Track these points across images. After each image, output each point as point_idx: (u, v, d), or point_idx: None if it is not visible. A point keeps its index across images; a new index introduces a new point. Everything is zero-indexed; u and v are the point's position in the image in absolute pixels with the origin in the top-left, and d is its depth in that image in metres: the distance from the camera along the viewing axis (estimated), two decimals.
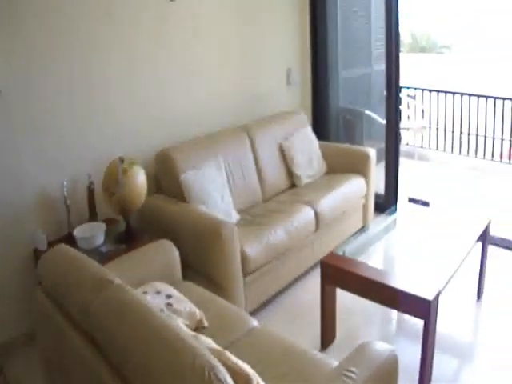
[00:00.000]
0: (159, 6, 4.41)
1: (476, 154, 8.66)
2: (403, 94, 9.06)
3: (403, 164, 7.38)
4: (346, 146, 5.79)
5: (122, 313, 2.10)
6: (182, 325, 2.47)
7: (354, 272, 3.45)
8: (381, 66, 5.91)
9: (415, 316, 3.29)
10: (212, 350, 2.05)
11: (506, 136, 8.31)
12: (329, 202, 4.77)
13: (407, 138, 9.17)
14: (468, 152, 8.77)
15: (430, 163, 8.81)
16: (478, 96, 8.64)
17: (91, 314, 2.17)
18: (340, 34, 6.43)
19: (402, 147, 8.38)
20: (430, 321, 3.11)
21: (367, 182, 5.33)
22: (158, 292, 2.94)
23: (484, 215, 4.36)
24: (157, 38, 4.46)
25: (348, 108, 6.83)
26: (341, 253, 3.76)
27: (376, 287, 3.34)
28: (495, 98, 8.43)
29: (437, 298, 3.14)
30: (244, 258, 3.78)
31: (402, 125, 8.22)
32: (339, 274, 3.53)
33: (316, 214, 4.58)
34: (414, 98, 9.52)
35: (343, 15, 6.45)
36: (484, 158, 8.54)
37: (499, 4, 22.83)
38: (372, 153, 5.37)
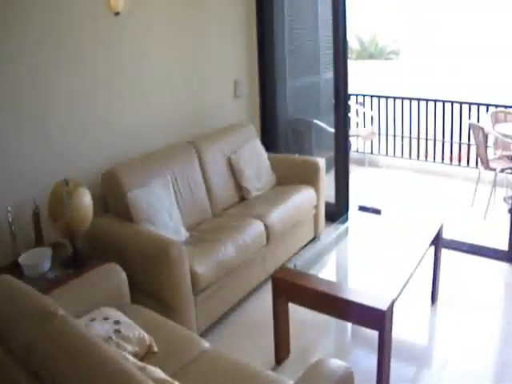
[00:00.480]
0: (103, 20, 4.31)
1: (426, 157, 8.75)
2: (352, 102, 9.11)
3: (354, 171, 7.45)
4: (295, 156, 5.78)
5: (67, 348, 2.03)
6: (129, 356, 2.39)
7: (306, 286, 3.42)
8: (329, 75, 5.94)
9: (370, 328, 3.28)
10: (159, 381, 1.99)
11: (456, 139, 8.43)
12: (279, 214, 4.74)
13: (357, 145, 9.20)
14: (418, 156, 8.87)
15: (380, 169, 8.86)
16: (427, 100, 8.75)
17: (35, 350, 2.09)
18: (287, 43, 6.44)
19: (352, 154, 8.42)
20: (385, 331, 3.10)
21: (317, 192, 5.32)
22: (106, 318, 2.87)
23: (436, 219, 4.39)
24: (101, 53, 4.36)
25: (297, 118, 6.83)
26: (292, 266, 3.72)
27: (329, 300, 3.31)
28: (444, 101, 8.56)
29: (391, 307, 3.13)
30: (194, 277, 3.71)
31: (351, 132, 8.27)
32: (291, 289, 3.50)
33: (266, 227, 4.54)
34: (362, 104, 9.56)
35: (290, 24, 6.47)
36: (434, 161, 8.64)
37: (443, 10, 23.22)
38: (321, 162, 5.37)
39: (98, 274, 3.33)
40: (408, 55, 28.76)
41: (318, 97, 7.21)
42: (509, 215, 5.43)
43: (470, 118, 8.17)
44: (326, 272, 3.98)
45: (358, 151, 9.13)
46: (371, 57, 29.55)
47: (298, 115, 6.83)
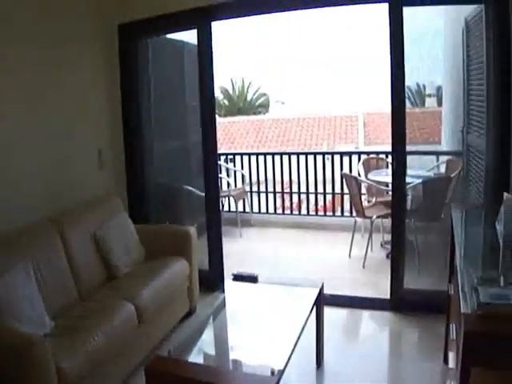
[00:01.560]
0: None
1: (299, 211, 8.72)
2: (222, 161, 9.04)
3: (227, 233, 7.37)
4: (165, 226, 5.58)
5: None
6: None
7: (182, 376, 3.13)
8: (198, 136, 5.74)
9: None
10: None
11: (329, 189, 8.51)
12: (150, 292, 4.45)
13: (229, 205, 9.07)
14: (291, 211, 8.85)
15: (254, 228, 8.66)
16: (298, 154, 8.82)
17: None
18: (154, 107, 6.23)
19: (225, 214, 8.32)
20: None
21: (190, 263, 5.10)
22: None
23: (316, 279, 4.28)
24: None
25: (166, 185, 6.59)
26: (166, 353, 3.44)
27: None
28: (315, 153, 8.68)
29: None
30: (60, 374, 3.32)
31: (222, 192, 8.15)
32: (166, 380, 3.20)
33: (137, 308, 4.22)
34: (232, 161, 9.48)
35: (157, 88, 6.28)
36: (308, 214, 8.63)
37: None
38: (192, 231, 5.18)
39: None
40: (277, 108, 29.31)
41: (187, 160, 7.00)
42: (388, 261, 5.43)
43: (342, 168, 8.23)
44: (204, 353, 3.74)
45: (230, 211, 8.95)
46: (240, 112, 29.87)
47: (167, 182, 6.61)
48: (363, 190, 7.46)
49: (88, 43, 5.55)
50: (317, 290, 4.08)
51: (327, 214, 8.59)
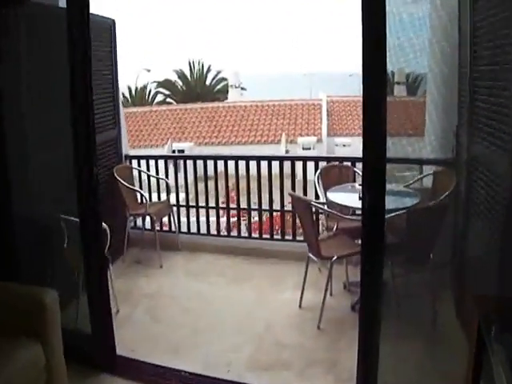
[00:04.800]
0: None
1: (239, 232, 6.78)
2: (143, 167, 7.06)
3: (146, 261, 6.31)
4: (15, 287, 3.59)
5: None
6: None
7: None
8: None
9: None
10: None
11: (277, 205, 6.62)
12: None
13: (152, 223, 6.77)
14: (229, 232, 7.03)
15: (182, 254, 6.67)
16: (236, 158, 6.83)
17: None
18: (27, 105, 4.51)
19: (146, 234, 6.62)
20: None
21: (47, 345, 3.23)
22: None
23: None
24: None
25: (39, 215, 4.59)
26: None
27: None
28: (259, 157, 6.67)
29: None
30: None
31: (139, 210, 6.32)
32: None
33: None
34: (178, 169, 7.42)
35: (31, 78, 4.54)
36: (250, 236, 6.77)
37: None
38: (50, 297, 3.27)
39: None
40: (236, 95, 27.61)
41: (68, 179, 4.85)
42: (354, 314, 4.10)
43: (293, 190, 6.28)
44: None
45: (152, 229, 6.64)
46: (198, 98, 28.16)
47: (41, 212, 4.61)
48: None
49: None
50: None
51: (274, 237, 6.65)
